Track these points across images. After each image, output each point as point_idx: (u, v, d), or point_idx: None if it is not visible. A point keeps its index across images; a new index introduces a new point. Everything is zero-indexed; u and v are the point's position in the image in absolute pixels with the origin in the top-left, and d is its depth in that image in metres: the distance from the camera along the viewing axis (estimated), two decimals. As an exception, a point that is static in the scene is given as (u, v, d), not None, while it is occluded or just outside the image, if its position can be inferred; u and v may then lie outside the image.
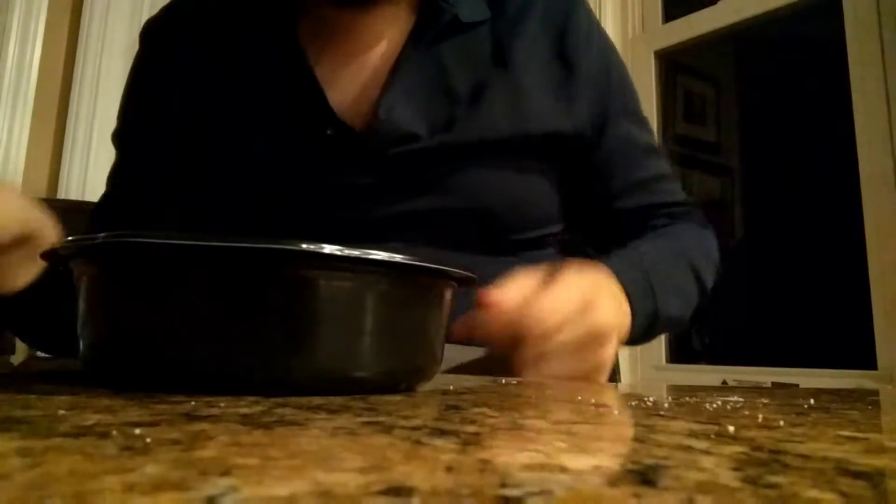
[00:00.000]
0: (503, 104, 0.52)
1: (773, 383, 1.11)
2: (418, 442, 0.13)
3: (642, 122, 0.61)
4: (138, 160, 0.60)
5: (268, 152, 0.52)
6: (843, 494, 0.10)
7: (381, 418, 0.16)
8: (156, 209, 0.58)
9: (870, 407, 0.24)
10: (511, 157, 0.52)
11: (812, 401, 0.25)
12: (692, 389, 0.32)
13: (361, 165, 0.51)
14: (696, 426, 0.17)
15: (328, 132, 0.51)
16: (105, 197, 0.62)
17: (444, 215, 0.51)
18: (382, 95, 0.51)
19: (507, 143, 0.51)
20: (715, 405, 0.23)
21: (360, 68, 0.53)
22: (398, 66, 0.52)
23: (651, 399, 0.25)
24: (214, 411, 0.17)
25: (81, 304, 0.24)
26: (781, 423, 0.18)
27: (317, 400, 0.20)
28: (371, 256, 0.22)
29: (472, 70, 0.53)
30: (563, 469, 0.11)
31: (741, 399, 0.26)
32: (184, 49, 0.58)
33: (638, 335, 0.49)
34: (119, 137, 0.61)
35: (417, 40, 0.52)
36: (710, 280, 0.57)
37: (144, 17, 0.68)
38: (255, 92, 0.54)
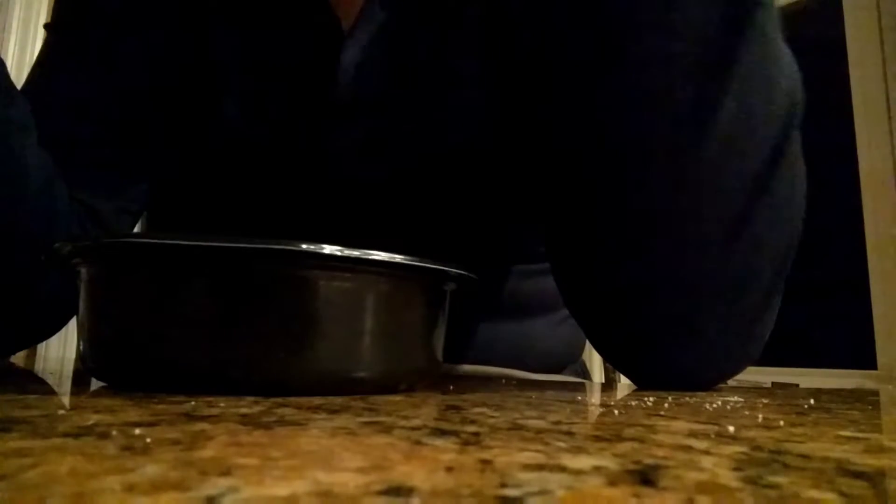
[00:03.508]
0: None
1: (773, 383, 1.11)
2: (418, 442, 0.13)
3: None
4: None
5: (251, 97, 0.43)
6: (843, 494, 0.10)
7: (381, 418, 0.16)
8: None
9: (870, 407, 0.24)
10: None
11: (812, 401, 0.25)
12: (692, 389, 0.32)
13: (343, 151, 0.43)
14: (696, 426, 0.17)
15: (317, 99, 0.42)
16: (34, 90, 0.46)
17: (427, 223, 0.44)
18: (342, 52, 0.41)
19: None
20: (715, 405, 0.23)
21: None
22: (362, 18, 0.42)
23: (651, 399, 0.25)
24: (214, 411, 0.17)
25: (81, 305, 0.24)
26: (781, 423, 0.18)
27: (317, 400, 0.20)
28: (371, 256, 0.22)
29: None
30: (563, 469, 0.11)
31: (741, 399, 0.26)
32: None
33: None
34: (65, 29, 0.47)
35: None
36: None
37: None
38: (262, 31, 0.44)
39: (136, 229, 0.53)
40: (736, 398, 0.26)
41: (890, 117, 1.34)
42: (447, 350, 0.28)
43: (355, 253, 0.21)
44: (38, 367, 0.41)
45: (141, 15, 0.47)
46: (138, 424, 0.14)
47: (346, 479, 0.10)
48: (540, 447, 0.13)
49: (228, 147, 0.45)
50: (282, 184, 0.45)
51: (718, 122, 0.30)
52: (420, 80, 0.42)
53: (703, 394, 0.29)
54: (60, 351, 1.70)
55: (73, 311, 0.45)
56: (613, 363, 0.37)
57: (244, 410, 0.17)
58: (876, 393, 0.34)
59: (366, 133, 0.43)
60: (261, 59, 0.45)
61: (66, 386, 0.26)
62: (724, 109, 0.30)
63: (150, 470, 0.10)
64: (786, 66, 0.33)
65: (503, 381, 0.36)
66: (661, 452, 0.13)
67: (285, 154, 0.44)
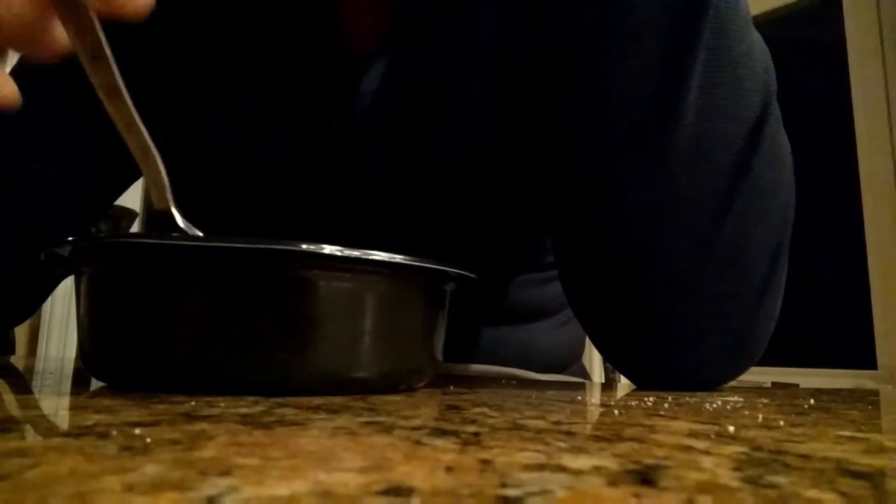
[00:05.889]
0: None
1: (773, 383, 1.11)
2: (418, 442, 0.13)
3: None
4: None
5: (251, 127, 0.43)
6: (843, 494, 0.10)
7: (381, 418, 0.16)
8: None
9: (870, 407, 0.24)
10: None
11: (812, 401, 0.25)
12: (692, 389, 0.32)
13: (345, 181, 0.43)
14: (696, 426, 0.17)
15: (333, 123, 0.42)
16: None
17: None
18: (360, 82, 0.41)
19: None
20: (715, 405, 0.23)
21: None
22: (381, 45, 0.41)
23: (651, 399, 0.25)
24: (214, 411, 0.17)
25: (81, 305, 0.24)
26: (781, 423, 0.18)
27: (317, 400, 0.20)
28: (371, 256, 0.22)
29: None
30: (563, 469, 0.11)
31: (741, 399, 0.26)
32: None
33: None
34: None
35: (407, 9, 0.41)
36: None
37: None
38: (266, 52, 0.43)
39: (135, 229, 0.54)
40: (736, 398, 0.26)
41: (890, 117, 1.34)
42: (450, 352, 0.28)
43: (355, 253, 0.21)
44: (38, 367, 0.41)
45: (143, 25, 0.46)
46: (138, 424, 0.14)
47: (346, 479, 0.10)
48: (540, 447, 0.13)
49: (231, 159, 0.45)
50: (285, 195, 0.45)
51: (685, 114, 0.31)
52: (433, 102, 0.43)
53: (703, 394, 0.29)
54: (60, 351, 1.70)
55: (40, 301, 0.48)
56: (614, 363, 0.37)
57: (244, 410, 0.17)
58: (876, 393, 0.34)
59: (377, 154, 0.43)
60: (270, 82, 0.44)
61: (66, 386, 0.26)
62: (690, 101, 0.31)
63: (150, 470, 0.10)
64: (756, 51, 0.34)
65: (503, 381, 0.36)
66: (661, 452, 0.13)
67: (290, 171, 0.45)
